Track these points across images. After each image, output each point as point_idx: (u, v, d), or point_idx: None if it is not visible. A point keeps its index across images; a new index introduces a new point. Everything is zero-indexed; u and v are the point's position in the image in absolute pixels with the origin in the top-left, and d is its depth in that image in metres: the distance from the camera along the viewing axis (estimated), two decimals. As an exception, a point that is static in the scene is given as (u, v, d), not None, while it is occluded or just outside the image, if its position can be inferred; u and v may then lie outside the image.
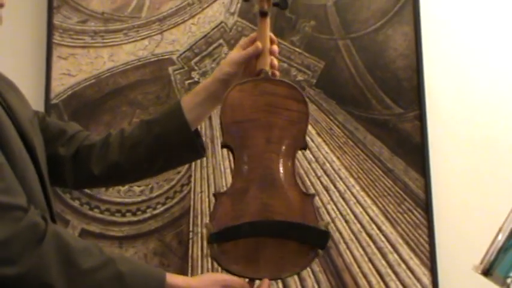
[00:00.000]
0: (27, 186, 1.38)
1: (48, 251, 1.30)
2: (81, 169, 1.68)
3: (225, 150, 2.25)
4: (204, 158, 2.43)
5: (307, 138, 2.43)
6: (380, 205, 2.41)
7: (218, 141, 2.46)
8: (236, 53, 1.70)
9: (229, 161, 2.41)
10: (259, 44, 1.67)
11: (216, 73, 1.71)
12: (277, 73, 1.69)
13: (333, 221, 2.41)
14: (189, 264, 2.41)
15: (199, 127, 1.73)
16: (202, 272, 2.39)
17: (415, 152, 2.42)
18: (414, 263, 2.36)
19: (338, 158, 2.45)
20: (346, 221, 2.41)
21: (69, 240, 1.34)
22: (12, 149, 1.37)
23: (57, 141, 1.67)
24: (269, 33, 1.68)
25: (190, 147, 1.68)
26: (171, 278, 1.43)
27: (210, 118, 2.47)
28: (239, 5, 2.54)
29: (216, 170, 2.45)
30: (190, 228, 2.43)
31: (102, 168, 1.67)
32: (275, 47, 1.69)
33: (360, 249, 2.39)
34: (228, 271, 1.54)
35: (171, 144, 1.67)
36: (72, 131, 1.72)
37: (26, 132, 1.46)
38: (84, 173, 1.68)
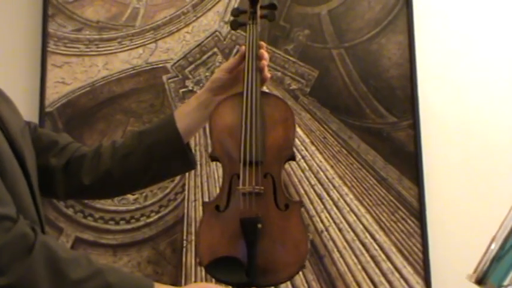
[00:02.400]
0: (17, 197, 1.37)
1: (36, 261, 1.29)
2: (72, 179, 1.67)
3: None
4: (198, 167, 2.44)
5: (302, 147, 2.44)
6: (374, 214, 2.41)
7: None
8: (226, 62, 1.74)
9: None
10: (243, 47, 1.70)
11: (207, 83, 1.73)
12: (268, 75, 1.71)
13: (327, 230, 2.41)
14: (183, 272, 2.41)
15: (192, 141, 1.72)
16: (196, 281, 2.39)
17: (409, 161, 2.43)
18: (408, 271, 2.37)
19: (332, 166, 2.45)
20: (340, 230, 2.41)
21: (58, 251, 1.33)
22: (2, 160, 1.37)
23: (49, 152, 1.67)
24: (257, 40, 1.70)
25: (181, 158, 1.69)
26: (160, 287, 1.43)
27: (204, 127, 2.47)
28: (233, 14, 2.55)
29: (210, 179, 2.45)
30: (184, 237, 2.43)
31: (93, 178, 1.67)
32: (263, 52, 1.70)
33: (354, 258, 2.39)
34: (219, 280, 1.54)
35: (163, 154, 1.67)
36: (63, 142, 1.71)
37: (17, 144, 1.45)
38: (75, 184, 1.67)
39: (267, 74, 1.71)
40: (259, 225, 1.53)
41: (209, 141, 2.45)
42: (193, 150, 2.40)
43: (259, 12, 1.75)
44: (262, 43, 1.72)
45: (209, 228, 1.58)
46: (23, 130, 1.55)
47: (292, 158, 1.64)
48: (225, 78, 1.71)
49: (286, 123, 1.65)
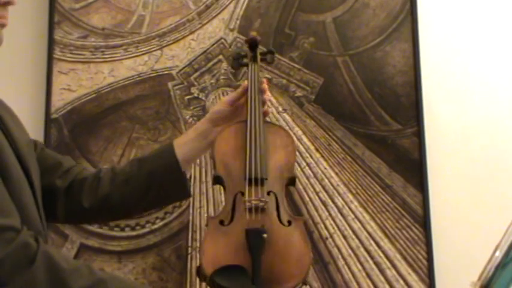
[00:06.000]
0: (23, 208, 1.39)
1: (38, 272, 1.30)
2: (73, 202, 1.69)
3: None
4: (203, 173, 2.44)
5: (306, 154, 2.45)
6: (378, 221, 2.41)
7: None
8: (227, 95, 1.82)
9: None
10: (246, 82, 1.78)
11: (207, 114, 1.80)
12: (269, 110, 1.81)
13: (331, 237, 2.41)
14: (188, 279, 2.41)
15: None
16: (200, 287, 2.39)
17: (414, 168, 2.43)
18: (412, 279, 2.37)
19: (336, 173, 2.45)
20: (345, 237, 2.41)
21: (60, 261, 1.34)
22: (9, 170, 1.38)
23: (54, 173, 1.69)
24: (258, 76, 1.79)
25: (179, 186, 1.72)
26: None
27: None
28: (238, 22, 2.56)
29: (215, 185, 2.45)
30: (189, 243, 2.43)
31: (92, 201, 1.69)
32: (265, 86, 1.79)
33: (358, 265, 2.39)
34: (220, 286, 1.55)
35: (161, 181, 1.70)
36: (67, 164, 1.74)
37: (23, 157, 1.47)
38: (75, 206, 1.69)
39: (268, 108, 1.81)
40: (265, 235, 1.55)
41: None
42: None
43: (259, 56, 1.87)
44: (264, 79, 1.82)
45: (214, 241, 1.59)
46: (28, 145, 1.57)
47: (293, 181, 1.72)
48: (226, 110, 1.77)
49: (287, 149, 1.74)
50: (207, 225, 1.63)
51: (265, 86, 1.80)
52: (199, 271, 1.59)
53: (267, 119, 1.85)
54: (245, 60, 1.87)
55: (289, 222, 1.62)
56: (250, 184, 1.62)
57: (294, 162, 1.77)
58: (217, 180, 1.69)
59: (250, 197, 1.61)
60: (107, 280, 1.38)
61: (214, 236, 1.60)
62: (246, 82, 1.80)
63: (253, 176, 1.63)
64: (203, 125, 1.76)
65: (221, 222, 1.61)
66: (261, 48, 1.90)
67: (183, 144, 1.73)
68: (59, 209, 1.68)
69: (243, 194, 1.62)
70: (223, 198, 2.43)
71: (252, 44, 1.87)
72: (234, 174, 1.67)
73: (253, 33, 1.88)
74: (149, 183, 1.69)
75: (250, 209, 1.59)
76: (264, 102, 1.78)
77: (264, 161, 1.66)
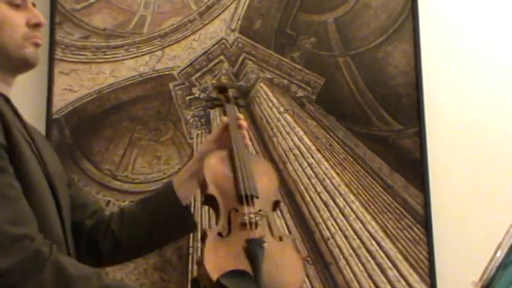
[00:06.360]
0: (44, 218, 1.46)
1: (47, 279, 1.34)
2: (91, 243, 1.76)
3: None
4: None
5: (308, 155, 2.45)
6: (379, 221, 2.41)
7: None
8: (210, 135, 2.00)
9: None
10: (224, 118, 1.90)
11: (196, 155, 1.93)
12: (249, 143, 1.95)
13: (333, 237, 2.41)
14: (189, 279, 2.41)
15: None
16: (202, 288, 2.39)
17: (415, 168, 2.43)
18: (414, 279, 2.37)
19: (338, 174, 2.45)
20: (346, 237, 2.41)
21: (69, 269, 1.38)
22: (33, 181, 1.46)
23: (82, 211, 1.76)
24: (235, 114, 1.92)
25: (181, 221, 1.81)
26: None
27: (210, 133, 2.48)
28: (240, 22, 2.56)
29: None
30: (190, 244, 2.43)
31: (106, 243, 1.76)
32: (242, 122, 1.89)
33: (360, 265, 2.39)
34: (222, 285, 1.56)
35: (165, 220, 1.79)
36: (93, 206, 1.82)
37: (54, 181, 1.55)
38: (92, 247, 1.75)
39: (248, 141, 1.92)
40: (265, 244, 1.58)
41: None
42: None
43: (232, 99, 2.00)
44: (240, 115, 1.92)
45: (214, 249, 1.61)
46: (60, 173, 1.65)
47: (278, 205, 1.81)
48: (212, 148, 1.85)
49: (270, 175, 1.83)
50: (202, 238, 1.64)
51: (242, 122, 1.89)
52: (198, 281, 1.60)
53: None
54: (219, 102, 2.00)
55: (281, 238, 1.67)
56: (242, 202, 1.68)
57: (278, 188, 1.84)
58: (209, 199, 1.73)
59: (244, 212, 1.65)
60: (113, 286, 1.44)
61: (215, 245, 1.62)
62: (225, 119, 1.91)
63: (245, 194, 1.69)
64: (194, 165, 1.84)
65: (219, 234, 1.64)
66: (234, 92, 2.06)
67: (181, 184, 1.82)
68: (81, 246, 1.73)
69: (236, 210, 1.67)
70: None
71: (221, 90, 2.02)
72: (226, 193, 1.72)
73: (223, 81, 2.10)
74: (153, 222, 1.78)
75: (245, 224, 1.63)
76: (244, 137, 1.87)
77: (253, 181, 1.73)
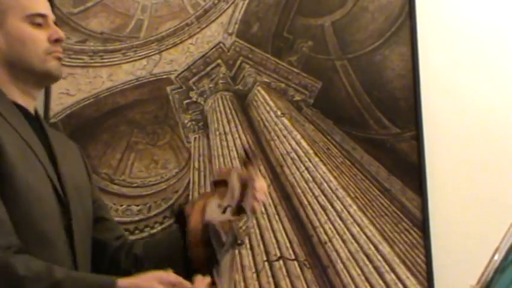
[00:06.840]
0: (39, 228, 1.50)
1: None
2: (114, 261, 1.75)
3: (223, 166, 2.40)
4: (202, 178, 2.45)
5: (305, 158, 2.45)
6: (377, 225, 2.41)
7: (216, 161, 2.47)
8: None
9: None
10: None
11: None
12: None
13: (330, 241, 2.41)
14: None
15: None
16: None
17: (412, 171, 2.43)
18: (411, 282, 2.36)
19: (335, 177, 2.45)
20: (343, 241, 2.41)
21: (18, 269, 1.40)
22: (27, 196, 1.50)
23: (111, 233, 1.78)
24: None
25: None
26: (121, 281, 1.46)
27: (207, 137, 2.48)
28: (237, 26, 2.56)
29: (213, 189, 2.45)
30: (188, 248, 2.43)
31: (128, 261, 1.75)
32: None
33: (357, 269, 2.39)
34: None
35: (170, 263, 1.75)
36: (120, 231, 1.84)
37: (65, 188, 1.59)
38: (114, 263, 1.75)
39: None
40: None
41: (213, 152, 2.46)
42: (197, 163, 2.43)
43: None
44: None
45: None
46: (80, 188, 1.68)
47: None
48: None
49: None
50: None
51: None
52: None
53: None
54: None
55: None
56: None
57: None
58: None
59: None
60: (64, 281, 1.43)
61: None
62: None
63: None
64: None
65: None
66: None
67: None
68: (104, 261, 1.74)
69: None
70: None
71: None
72: None
73: None
74: (160, 263, 1.73)
75: None
76: None
77: None
